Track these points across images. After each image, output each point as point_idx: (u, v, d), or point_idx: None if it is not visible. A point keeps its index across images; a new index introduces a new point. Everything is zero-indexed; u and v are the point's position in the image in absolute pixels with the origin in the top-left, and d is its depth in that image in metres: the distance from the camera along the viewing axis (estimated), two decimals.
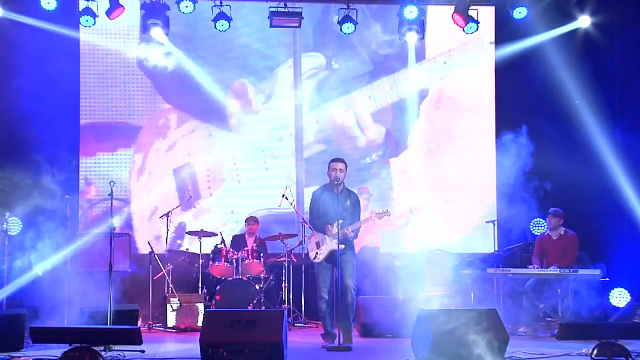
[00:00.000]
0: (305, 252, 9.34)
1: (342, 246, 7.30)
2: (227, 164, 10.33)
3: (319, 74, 10.55)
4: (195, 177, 10.27)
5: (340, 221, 7.27)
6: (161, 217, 9.51)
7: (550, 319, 8.80)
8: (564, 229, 8.86)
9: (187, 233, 9.68)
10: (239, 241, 9.61)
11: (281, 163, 10.42)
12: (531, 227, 9.88)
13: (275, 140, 10.45)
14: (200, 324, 8.34)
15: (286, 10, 9.75)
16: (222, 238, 9.47)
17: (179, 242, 10.05)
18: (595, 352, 6.26)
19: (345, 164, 7.52)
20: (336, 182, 7.44)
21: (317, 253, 7.47)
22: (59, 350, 6.16)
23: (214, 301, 8.74)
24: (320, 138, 10.47)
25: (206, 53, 10.32)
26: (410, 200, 10.13)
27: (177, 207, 9.66)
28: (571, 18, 10.14)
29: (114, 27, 9.95)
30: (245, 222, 9.70)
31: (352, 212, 7.48)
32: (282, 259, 9.27)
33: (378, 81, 10.54)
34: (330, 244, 7.36)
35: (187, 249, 9.84)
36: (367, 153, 10.51)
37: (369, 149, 10.51)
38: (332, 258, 7.37)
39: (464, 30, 9.72)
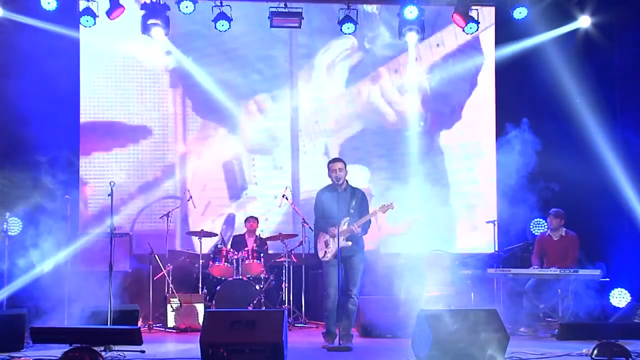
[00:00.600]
0: (306, 252, 9.36)
1: (349, 243, 7.32)
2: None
3: (352, 55, 10.58)
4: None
5: (347, 218, 7.29)
6: (161, 217, 9.51)
7: (550, 319, 8.80)
8: (564, 229, 8.86)
9: (187, 233, 9.67)
10: (239, 241, 9.61)
11: (279, 163, 10.44)
12: (531, 227, 9.89)
13: (272, 140, 10.48)
14: (200, 323, 8.34)
15: (286, 10, 9.76)
16: (222, 238, 9.47)
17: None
18: (595, 352, 6.26)
19: (344, 163, 7.53)
20: (337, 182, 7.45)
21: (325, 252, 7.47)
22: (59, 350, 6.16)
23: (213, 301, 8.74)
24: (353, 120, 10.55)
25: (205, 53, 10.30)
26: (410, 200, 10.10)
27: (177, 207, 9.65)
28: (571, 18, 10.13)
29: (114, 27, 9.95)
30: (245, 221, 9.69)
31: (359, 209, 7.47)
32: (282, 259, 9.27)
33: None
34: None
35: (187, 249, 9.84)
36: (402, 126, 10.59)
37: (403, 122, 10.58)
38: (340, 256, 7.37)
39: (464, 30, 9.73)
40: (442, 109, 10.67)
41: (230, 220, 10.25)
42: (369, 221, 7.51)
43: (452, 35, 10.52)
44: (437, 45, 10.63)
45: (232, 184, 10.34)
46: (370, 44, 10.59)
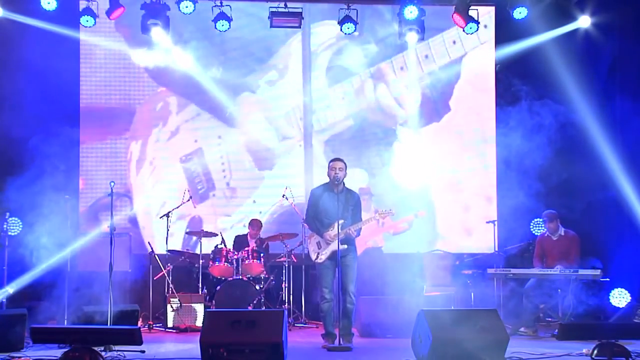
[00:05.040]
0: (306, 252, 9.33)
1: (344, 246, 7.31)
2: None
3: (336, 43, 10.46)
4: (207, 166, 10.26)
5: (341, 221, 7.28)
6: (161, 217, 9.50)
7: (550, 319, 8.81)
8: (564, 229, 8.84)
9: (187, 233, 9.67)
10: (241, 241, 9.61)
11: (285, 161, 10.40)
12: (531, 227, 9.90)
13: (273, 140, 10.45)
14: (199, 323, 8.34)
15: (286, 10, 9.76)
16: (222, 238, 9.47)
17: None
18: (595, 352, 6.26)
19: (345, 163, 7.53)
20: (336, 182, 7.44)
21: (318, 253, 7.47)
22: (59, 350, 6.17)
23: (213, 301, 8.73)
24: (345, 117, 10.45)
25: (203, 44, 10.26)
26: (410, 200, 10.10)
27: (178, 207, 9.64)
28: (571, 18, 10.12)
29: (114, 27, 9.94)
30: (249, 224, 9.66)
31: (354, 212, 7.49)
32: (282, 259, 9.27)
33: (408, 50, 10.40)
34: (333, 244, 7.36)
35: (187, 249, 9.84)
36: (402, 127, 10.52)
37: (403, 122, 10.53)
38: (335, 258, 7.38)
39: (464, 30, 9.72)
40: (442, 108, 10.66)
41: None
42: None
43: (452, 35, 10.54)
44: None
45: (228, 186, 10.32)
46: (378, 44, 10.52)
